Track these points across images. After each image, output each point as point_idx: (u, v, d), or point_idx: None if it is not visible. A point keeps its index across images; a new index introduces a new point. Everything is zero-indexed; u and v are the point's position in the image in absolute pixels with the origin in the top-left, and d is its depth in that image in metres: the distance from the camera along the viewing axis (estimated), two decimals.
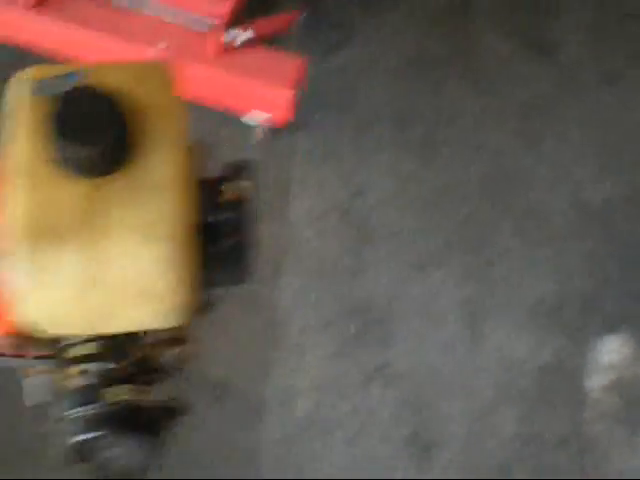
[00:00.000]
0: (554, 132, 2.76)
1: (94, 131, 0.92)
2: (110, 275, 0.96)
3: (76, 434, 1.12)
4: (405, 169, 2.65)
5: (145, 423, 1.16)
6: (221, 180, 1.17)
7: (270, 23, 2.48)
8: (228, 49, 2.40)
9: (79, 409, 1.13)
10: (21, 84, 1.00)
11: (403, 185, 2.63)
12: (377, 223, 2.58)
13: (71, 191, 0.95)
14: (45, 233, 0.94)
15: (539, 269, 2.60)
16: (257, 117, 2.50)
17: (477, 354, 2.47)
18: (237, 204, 1.17)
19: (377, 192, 2.61)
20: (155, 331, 1.15)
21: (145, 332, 1.17)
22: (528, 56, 2.82)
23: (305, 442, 2.42)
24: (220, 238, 1.13)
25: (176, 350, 1.25)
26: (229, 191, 1.16)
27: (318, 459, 2.39)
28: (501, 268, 2.57)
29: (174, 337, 1.24)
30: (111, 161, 0.94)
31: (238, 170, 1.19)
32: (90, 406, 1.13)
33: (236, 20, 2.40)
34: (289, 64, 2.43)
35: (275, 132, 2.65)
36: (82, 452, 1.12)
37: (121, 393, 1.15)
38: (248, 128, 2.61)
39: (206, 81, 2.40)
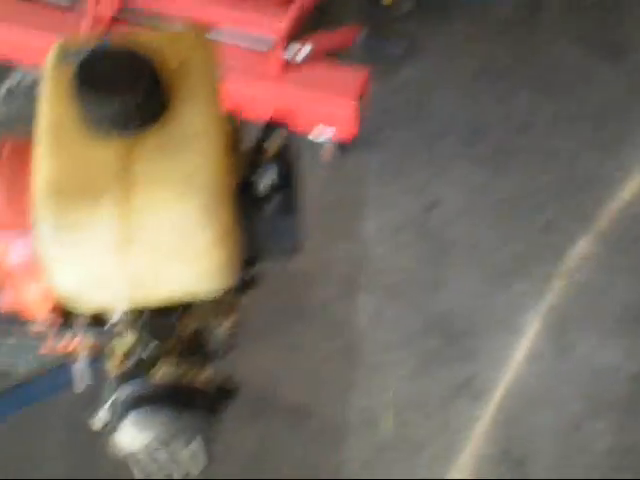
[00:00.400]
0: (630, 136, 2.69)
1: (125, 83, 0.90)
2: (147, 233, 0.92)
3: (125, 417, 1.07)
4: (478, 180, 2.60)
5: (197, 403, 1.10)
6: (260, 141, 1.13)
7: (332, 37, 2.46)
8: (290, 65, 2.39)
9: (128, 390, 1.09)
10: (53, 55, 1.00)
11: (477, 196, 2.58)
12: (453, 235, 2.53)
13: (103, 151, 0.92)
14: (76, 192, 0.91)
15: (622, 276, 2.51)
16: (323, 133, 2.48)
17: (564, 365, 2.39)
18: (278, 161, 1.11)
19: (451, 204, 2.57)
20: (201, 303, 1.11)
21: (190, 305, 1.12)
22: (599, 60, 2.76)
23: (389, 464, 2.35)
24: (265, 201, 1.07)
25: (224, 324, 1.19)
26: (268, 150, 1.11)
27: None
28: (583, 276, 2.49)
29: (221, 309, 1.17)
30: (144, 115, 0.92)
31: (274, 131, 1.14)
32: (139, 386, 1.09)
33: (297, 36, 2.39)
34: (352, 76, 2.41)
35: (344, 150, 2.63)
36: (132, 440, 1.08)
37: (170, 372, 1.11)
38: (316, 146, 2.59)
39: (271, 99, 2.39)
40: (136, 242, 0.92)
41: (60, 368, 1.80)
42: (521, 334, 2.42)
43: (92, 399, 2.39)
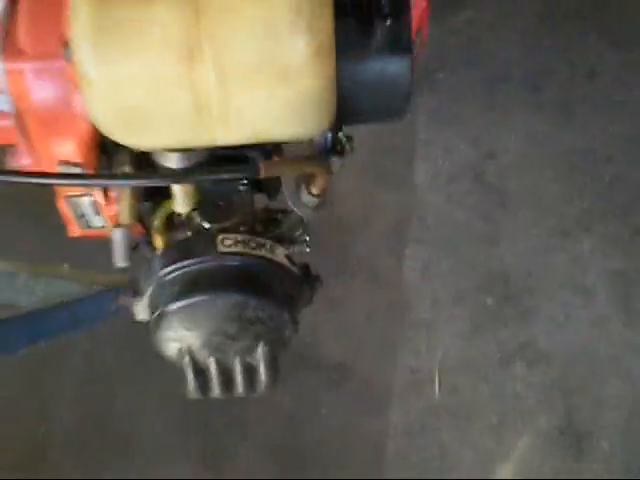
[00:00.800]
0: None
1: None
2: (219, 43, 0.67)
3: (177, 302, 0.84)
4: (540, 130, 2.38)
5: (274, 288, 0.86)
6: None
7: None
8: None
9: (181, 268, 0.85)
10: None
11: (539, 147, 2.36)
12: (513, 187, 2.31)
13: None
14: None
15: None
16: None
17: (632, 332, 2.17)
18: None
19: (511, 155, 2.35)
20: (283, 154, 0.85)
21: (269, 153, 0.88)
22: None
23: (436, 432, 2.14)
24: (370, 30, 0.78)
25: (306, 192, 0.94)
26: None
27: (451, 452, 2.11)
28: None
29: (306, 167, 0.91)
30: None
31: None
32: (197, 263, 0.85)
33: None
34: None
35: None
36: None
37: (237, 244, 0.87)
38: None
39: None
40: (203, 55, 0.67)
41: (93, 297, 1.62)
42: (585, 296, 2.21)
43: (109, 351, 2.21)
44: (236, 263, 0.81)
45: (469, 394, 2.13)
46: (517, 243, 2.25)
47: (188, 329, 0.83)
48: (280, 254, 0.83)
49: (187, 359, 0.85)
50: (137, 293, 0.87)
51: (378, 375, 2.16)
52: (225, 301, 0.80)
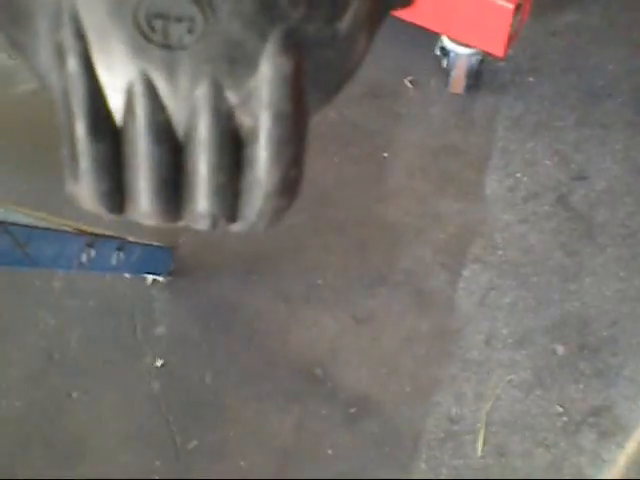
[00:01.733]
0: None
1: None
2: None
3: None
4: None
5: None
6: None
7: None
8: None
9: None
10: None
11: (638, 174, 1.94)
12: (603, 217, 1.88)
13: None
14: None
15: None
16: (468, 39, 1.87)
17: None
18: None
19: (606, 179, 1.93)
20: None
21: None
22: None
23: None
24: None
25: None
26: None
27: None
28: None
29: None
30: None
31: None
32: None
33: None
34: None
35: (476, 88, 2.02)
36: None
37: None
38: (446, 74, 1.99)
39: None
40: None
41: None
42: None
43: (64, 338, 1.82)
44: None
45: (519, 460, 1.67)
46: (602, 284, 1.81)
47: None
48: None
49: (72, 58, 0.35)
50: None
51: (407, 417, 1.71)
52: None
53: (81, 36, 0.31)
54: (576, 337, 1.76)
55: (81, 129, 0.32)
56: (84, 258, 1.42)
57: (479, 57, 1.93)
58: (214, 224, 0.34)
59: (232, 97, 0.32)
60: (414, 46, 2.00)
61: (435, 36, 1.94)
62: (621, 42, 2.11)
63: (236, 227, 0.35)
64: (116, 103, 0.32)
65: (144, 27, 0.30)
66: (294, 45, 0.31)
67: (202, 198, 0.33)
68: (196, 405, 1.73)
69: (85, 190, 0.33)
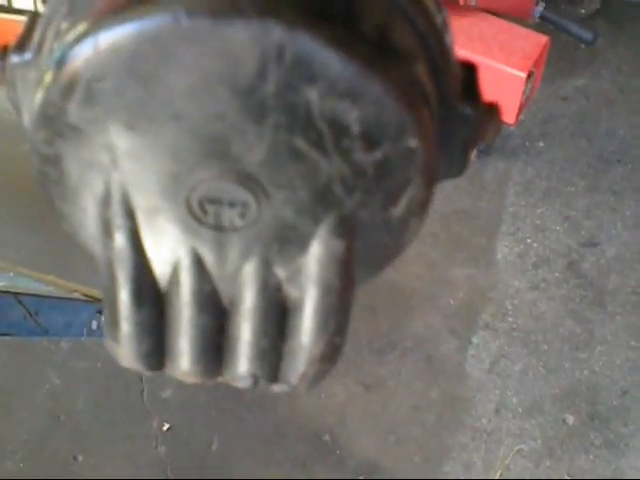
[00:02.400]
0: None
1: None
2: None
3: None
4: None
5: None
6: None
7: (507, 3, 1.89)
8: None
9: None
10: None
11: None
12: (614, 285, 1.88)
13: None
14: None
15: None
16: None
17: None
18: None
19: (616, 246, 1.93)
20: None
21: None
22: None
23: None
24: None
25: None
26: None
27: None
28: None
29: None
30: None
31: None
32: None
33: None
34: (527, 41, 1.81)
35: (487, 153, 2.03)
36: None
37: None
38: None
39: None
40: None
41: None
42: None
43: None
44: None
45: None
46: (612, 352, 1.80)
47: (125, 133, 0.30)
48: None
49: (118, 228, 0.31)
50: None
51: None
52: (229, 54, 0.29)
53: (130, 215, 0.31)
54: (586, 406, 1.74)
55: (124, 295, 0.32)
56: (94, 325, 1.41)
57: None
58: (255, 384, 0.35)
59: (281, 272, 0.32)
60: None
61: None
62: (631, 107, 2.13)
63: (277, 388, 0.35)
64: (162, 272, 0.32)
65: (196, 210, 0.30)
66: (347, 229, 0.31)
67: (244, 360, 0.34)
68: (202, 470, 1.71)
69: (125, 350, 0.33)
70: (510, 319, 1.84)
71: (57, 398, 1.79)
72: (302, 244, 0.31)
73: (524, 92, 1.78)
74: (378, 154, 0.29)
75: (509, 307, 1.84)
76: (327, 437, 1.74)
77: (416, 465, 1.71)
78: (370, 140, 0.28)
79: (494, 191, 2.00)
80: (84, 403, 1.79)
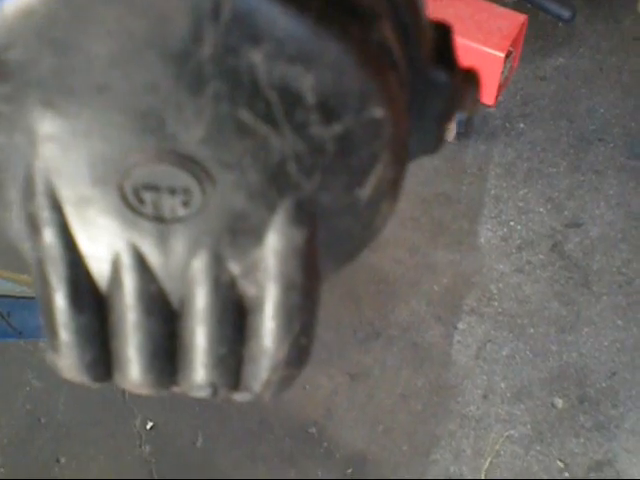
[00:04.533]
0: None
1: None
2: None
3: None
4: (637, 202, 1.94)
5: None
6: None
7: None
8: None
9: None
10: None
11: (634, 220, 1.91)
12: (599, 265, 1.85)
13: None
14: None
15: None
16: None
17: None
18: None
19: (601, 226, 1.90)
20: None
21: None
22: None
23: None
24: None
25: None
26: None
27: None
28: None
29: None
30: None
31: None
32: None
33: None
34: (504, 20, 1.77)
35: (467, 136, 2.00)
36: None
37: None
38: None
39: None
40: None
41: None
42: None
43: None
44: None
45: None
46: (599, 334, 1.78)
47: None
48: None
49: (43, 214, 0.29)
50: None
51: (406, 475, 1.67)
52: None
53: (56, 207, 0.27)
54: (575, 389, 1.72)
55: (60, 299, 0.28)
56: None
57: None
58: (214, 393, 0.31)
59: (234, 267, 0.28)
60: None
61: None
62: (611, 85, 2.10)
63: (239, 397, 0.31)
64: (100, 271, 0.28)
65: (132, 200, 0.26)
66: (306, 216, 0.27)
67: (201, 368, 0.30)
68: (188, 468, 1.68)
69: (67, 361, 0.30)
70: (495, 303, 1.81)
71: (37, 400, 1.76)
72: (257, 235, 0.27)
73: (503, 72, 1.74)
74: (338, 127, 0.25)
75: (494, 291, 1.82)
76: (313, 429, 1.71)
77: (405, 454, 1.68)
78: (328, 111, 0.24)
79: (475, 174, 1.97)
80: (65, 404, 1.75)
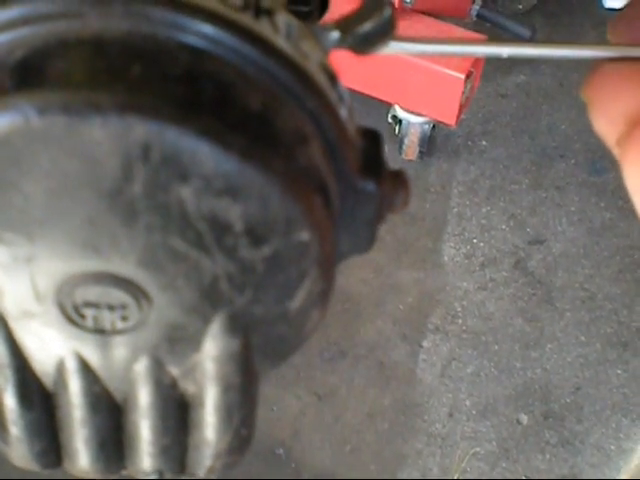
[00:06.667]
0: None
1: None
2: None
3: None
4: (599, 218, 1.97)
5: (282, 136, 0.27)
6: None
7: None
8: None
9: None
10: None
11: (596, 237, 1.94)
12: (562, 282, 1.88)
13: None
14: None
15: None
16: (419, 108, 1.86)
17: None
18: None
19: (563, 243, 1.93)
20: None
21: None
22: None
23: None
24: None
25: None
26: None
27: None
28: None
29: None
30: None
31: None
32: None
33: None
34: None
35: (429, 154, 2.02)
36: None
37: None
38: (398, 142, 1.98)
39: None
40: None
41: None
42: None
43: None
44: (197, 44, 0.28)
45: None
46: (563, 350, 1.80)
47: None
48: (316, 59, 0.31)
49: None
50: None
51: None
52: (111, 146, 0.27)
53: (1, 319, 0.28)
54: (540, 405, 1.74)
55: (9, 401, 0.30)
56: None
57: (431, 124, 1.93)
58: (161, 477, 0.33)
59: (174, 370, 0.30)
60: (366, 114, 1.99)
61: (387, 104, 1.94)
62: (572, 102, 2.13)
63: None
64: (46, 373, 0.30)
65: (72, 315, 0.28)
66: (240, 326, 0.29)
67: (146, 457, 0.32)
68: None
69: (17, 452, 0.31)
70: (460, 321, 1.83)
71: None
72: (194, 342, 0.29)
73: (464, 93, 1.77)
74: (267, 250, 0.26)
75: (458, 309, 1.84)
76: (281, 450, 1.71)
77: (372, 473, 1.69)
78: (256, 236, 0.26)
79: (438, 192, 1.99)
80: None
